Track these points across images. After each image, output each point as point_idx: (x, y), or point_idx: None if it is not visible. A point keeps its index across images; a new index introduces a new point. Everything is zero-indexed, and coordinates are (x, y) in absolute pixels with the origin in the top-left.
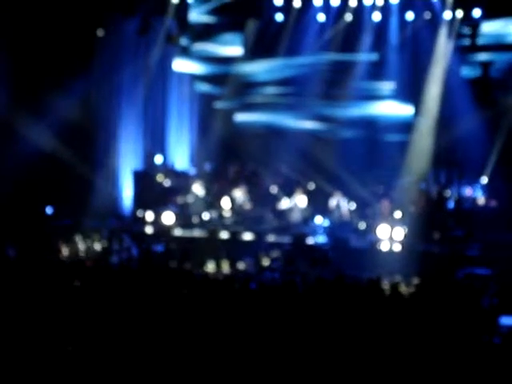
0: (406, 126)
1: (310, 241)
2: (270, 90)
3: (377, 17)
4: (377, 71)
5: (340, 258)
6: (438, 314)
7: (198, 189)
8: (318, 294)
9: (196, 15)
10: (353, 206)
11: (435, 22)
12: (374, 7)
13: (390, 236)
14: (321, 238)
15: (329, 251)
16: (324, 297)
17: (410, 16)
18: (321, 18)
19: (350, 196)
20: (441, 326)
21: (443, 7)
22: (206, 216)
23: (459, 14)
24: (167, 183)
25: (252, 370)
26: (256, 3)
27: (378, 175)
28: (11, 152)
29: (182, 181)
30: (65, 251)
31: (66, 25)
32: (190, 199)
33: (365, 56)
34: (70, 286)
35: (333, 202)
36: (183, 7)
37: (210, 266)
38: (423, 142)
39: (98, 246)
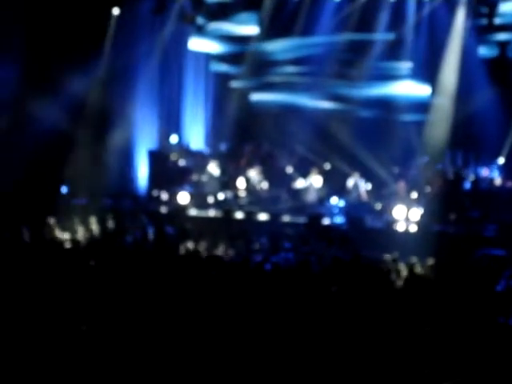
0: (423, 106)
1: (326, 221)
2: (286, 69)
3: None
4: (393, 51)
5: (356, 238)
6: (454, 295)
7: (213, 169)
8: (334, 274)
9: None
10: (369, 186)
11: (452, 1)
12: None
13: (406, 216)
14: (338, 219)
15: (347, 231)
16: (340, 277)
17: None
18: None
19: (367, 176)
20: (456, 307)
21: None
22: (221, 196)
23: None
24: (182, 163)
25: (266, 352)
26: None
27: (394, 155)
28: (25, 131)
29: (197, 160)
30: (80, 231)
31: (81, 3)
32: (204, 179)
33: (381, 35)
34: (85, 265)
35: (350, 183)
36: None
37: (222, 248)
38: (440, 122)
39: (112, 226)
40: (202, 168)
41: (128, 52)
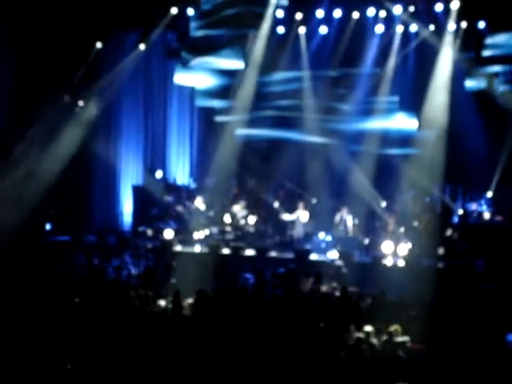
0: (411, 140)
1: (314, 256)
2: (273, 103)
3: (380, 28)
4: (380, 84)
5: (345, 273)
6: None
7: (198, 204)
8: (322, 311)
9: (196, 28)
10: (356, 221)
11: (439, 33)
12: (376, 19)
13: (395, 251)
14: (329, 254)
15: (341, 267)
16: (328, 314)
17: (413, 28)
18: (323, 30)
19: (354, 210)
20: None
21: (447, 19)
22: (206, 232)
23: (464, 25)
24: (167, 198)
25: None
26: (257, 16)
27: (382, 189)
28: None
29: (182, 196)
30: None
31: (65, 38)
32: (190, 214)
33: (368, 69)
34: (69, 302)
35: (338, 217)
36: (183, 20)
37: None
38: (427, 155)
39: (96, 262)
40: (187, 203)
41: (112, 86)
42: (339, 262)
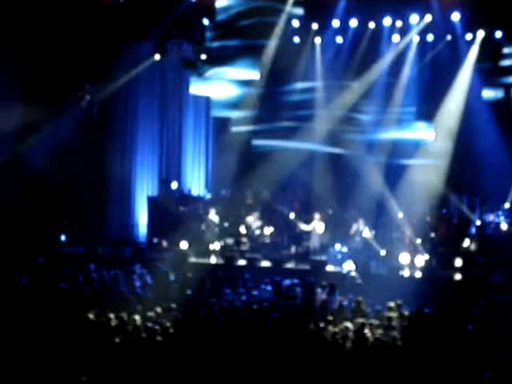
0: (428, 150)
1: (330, 268)
2: (289, 114)
3: (396, 38)
4: (396, 94)
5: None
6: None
7: (213, 215)
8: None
9: (212, 39)
10: (373, 232)
11: (456, 43)
12: (393, 28)
13: (412, 262)
14: (346, 265)
15: (356, 278)
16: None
17: (430, 38)
18: (339, 40)
19: (370, 222)
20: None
21: (464, 29)
22: (222, 243)
23: (480, 35)
24: (183, 209)
25: None
26: (272, 26)
27: (398, 200)
28: (25, 180)
29: (197, 207)
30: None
31: (80, 48)
32: (205, 226)
33: (384, 78)
34: (83, 316)
35: (354, 229)
36: (199, 30)
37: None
38: (444, 165)
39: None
40: (202, 214)
41: (128, 97)
42: (354, 274)
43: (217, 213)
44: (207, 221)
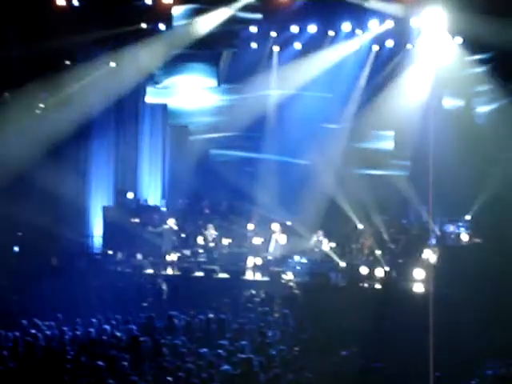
0: (387, 160)
1: (288, 278)
2: (247, 122)
3: (355, 45)
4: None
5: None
6: None
7: (170, 225)
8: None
9: (169, 46)
10: (332, 243)
11: (415, 49)
12: (352, 35)
13: (371, 274)
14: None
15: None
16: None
17: (389, 44)
18: (297, 46)
19: (330, 234)
20: None
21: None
22: (179, 254)
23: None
24: (138, 219)
25: None
26: (230, 35)
27: (358, 211)
28: None
29: (154, 217)
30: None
31: (34, 54)
32: (162, 236)
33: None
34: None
35: (313, 240)
36: (156, 38)
37: None
38: (404, 176)
39: None
40: (159, 224)
41: (83, 105)
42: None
43: (174, 223)
44: (164, 231)
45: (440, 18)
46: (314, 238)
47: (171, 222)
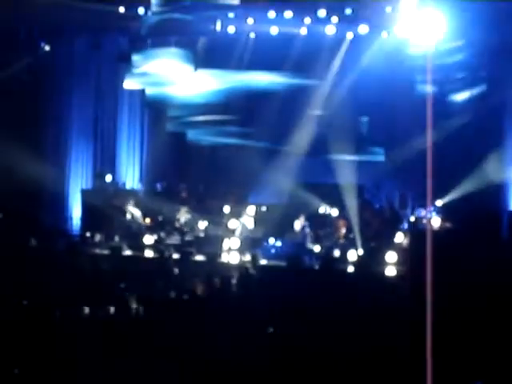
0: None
1: (263, 262)
2: (224, 107)
3: (330, 31)
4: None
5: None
6: None
7: (134, 208)
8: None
9: (147, 30)
10: (308, 228)
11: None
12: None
13: (344, 257)
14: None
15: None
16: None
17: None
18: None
19: (306, 216)
20: None
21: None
22: (155, 236)
23: None
24: (116, 202)
25: None
26: (208, 20)
27: (332, 196)
28: None
29: (131, 200)
30: None
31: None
32: (139, 219)
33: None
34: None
35: (297, 225)
36: (134, 24)
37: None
38: (377, 161)
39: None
40: (135, 208)
41: (62, 90)
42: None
43: (152, 206)
44: (141, 214)
45: (415, 5)
46: (298, 223)
47: (148, 205)
